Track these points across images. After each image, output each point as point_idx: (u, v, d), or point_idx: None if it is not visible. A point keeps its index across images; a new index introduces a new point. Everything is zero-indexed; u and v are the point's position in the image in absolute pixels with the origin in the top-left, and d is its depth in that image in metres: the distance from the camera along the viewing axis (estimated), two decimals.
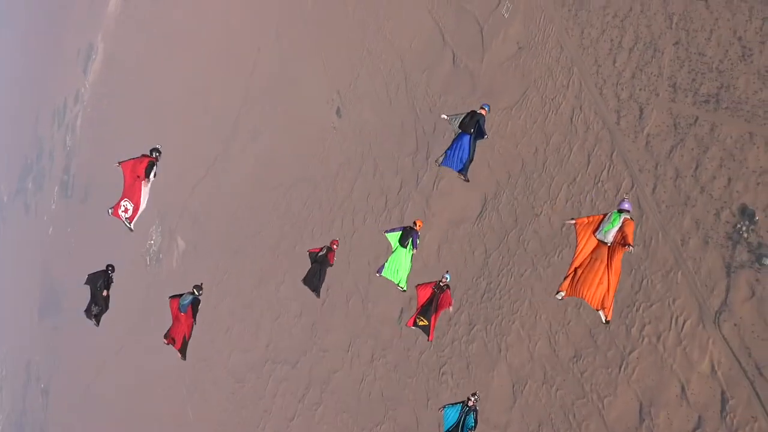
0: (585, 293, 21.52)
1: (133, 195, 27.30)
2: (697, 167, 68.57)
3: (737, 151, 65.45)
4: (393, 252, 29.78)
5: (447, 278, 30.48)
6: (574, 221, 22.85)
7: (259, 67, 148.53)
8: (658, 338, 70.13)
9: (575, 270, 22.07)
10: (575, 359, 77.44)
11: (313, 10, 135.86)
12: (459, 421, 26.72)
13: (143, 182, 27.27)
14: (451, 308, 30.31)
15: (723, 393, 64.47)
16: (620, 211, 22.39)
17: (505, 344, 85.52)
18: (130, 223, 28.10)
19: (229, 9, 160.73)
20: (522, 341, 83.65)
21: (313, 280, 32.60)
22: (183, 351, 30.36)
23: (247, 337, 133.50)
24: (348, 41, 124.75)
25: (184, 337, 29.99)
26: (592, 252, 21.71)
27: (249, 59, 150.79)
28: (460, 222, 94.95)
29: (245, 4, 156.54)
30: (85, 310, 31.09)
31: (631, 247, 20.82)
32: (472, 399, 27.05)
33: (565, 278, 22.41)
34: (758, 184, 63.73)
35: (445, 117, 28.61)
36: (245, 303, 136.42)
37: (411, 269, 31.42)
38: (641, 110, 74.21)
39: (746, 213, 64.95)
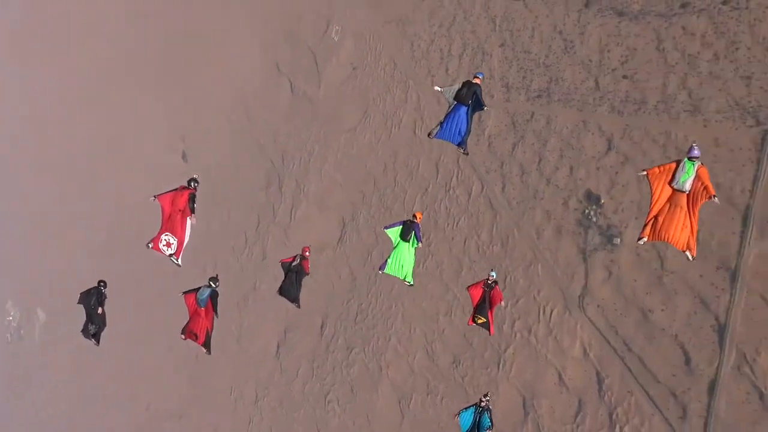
0: (670, 237, 21.70)
1: (174, 229, 26.30)
2: (540, 161, 69.79)
3: (574, 140, 67.00)
4: (395, 248, 27.93)
5: (493, 275, 29.78)
6: (645, 173, 22.41)
7: (96, 124, 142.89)
8: (530, 331, 70.69)
9: (655, 218, 21.97)
10: (454, 365, 77.07)
11: (147, 57, 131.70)
12: (474, 423, 25.84)
13: (189, 216, 26.13)
14: (503, 303, 29.63)
15: (598, 373, 65.45)
16: (691, 158, 21.97)
17: (384, 362, 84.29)
18: (177, 259, 26.91)
19: (61, 62, 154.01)
20: (401, 356, 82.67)
21: (291, 290, 30.13)
22: (207, 345, 28.32)
23: (126, 399, 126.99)
24: (184, 83, 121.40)
25: (207, 332, 28.03)
26: (669, 200, 21.68)
27: (86, 116, 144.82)
28: (323, 248, 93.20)
29: (81, 57, 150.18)
30: (82, 330, 29.13)
31: (716, 198, 20.83)
32: (484, 400, 26.26)
33: (644, 226, 22.36)
34: (598, 168, 65.37)
35: (439, 89, 26.77)
36: (119, 365, 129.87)
37: (415, 263, 29.90)
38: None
39: (592, 198, 66.48)
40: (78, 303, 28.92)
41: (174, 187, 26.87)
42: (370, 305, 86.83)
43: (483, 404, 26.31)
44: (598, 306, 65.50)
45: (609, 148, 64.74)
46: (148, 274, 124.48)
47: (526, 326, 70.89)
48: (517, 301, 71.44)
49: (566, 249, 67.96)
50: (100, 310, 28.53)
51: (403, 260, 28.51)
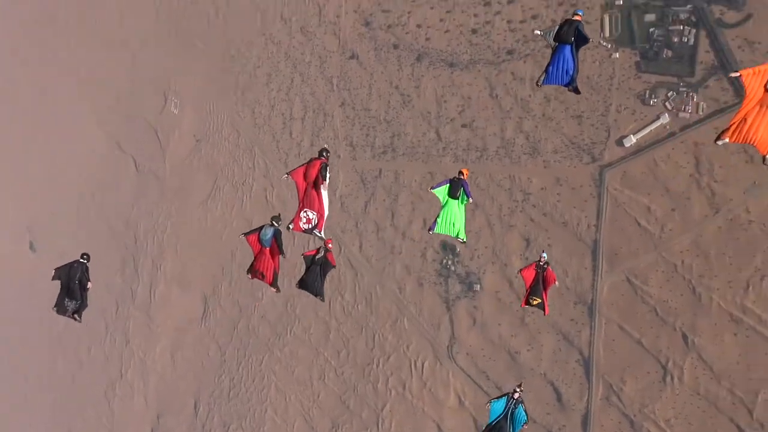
0: (757, 139, 20.12)
1: (312, 203, 24.59)
2: (393, 216, 68.93)
3: (424, 192, 66.32)
4: (443, 206, 25.56)
5: (545, 256, 28.09)
6: (738, 73, 20.46)
7: None
8: (404, 387, 69.13)
9: (744, 119, 20.16)
10: (334, 430, 74.58)
11: None
12: (506, 413, 23.96)
13: (322, 185, 24.18)
14: (557, 283, 27.71)
15: (475, 421, 64.35)
16: None
17: None
18: (320, 232, 25.02)
19: None
20: (279, 428, 79.45)
21: (314, 284, 26.83)
22: (275, 284, 26.04)
23: None
24: (26, 171, 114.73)
25: (275, 271, 26.32)
26: (761, 102, 19.99)
27: None
28: (187, 326, 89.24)
29: None
30: (56, 306, 26.23)
31: None
32: (518, 391, 24.30)
33: (728, 128, 20.49)
34: None
35: (539, 32, 24.47)
36: None
37: (466, 220, 27.52)
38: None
39: (448, 248, 65.93)
40: (53, 279, 25.95)
41: (305, 161, 24.80)
42: (242, 379, 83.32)
43: (517, 396, 24.54)
44: (467, 353, 64.74)
45: None
46: None
47: (399, 382, 69.33)
48: (388, 358, 69.88)
49: (429, 300, 67.19)
50: (89, 285, 25.82)
51: (453, 218, 26.48)
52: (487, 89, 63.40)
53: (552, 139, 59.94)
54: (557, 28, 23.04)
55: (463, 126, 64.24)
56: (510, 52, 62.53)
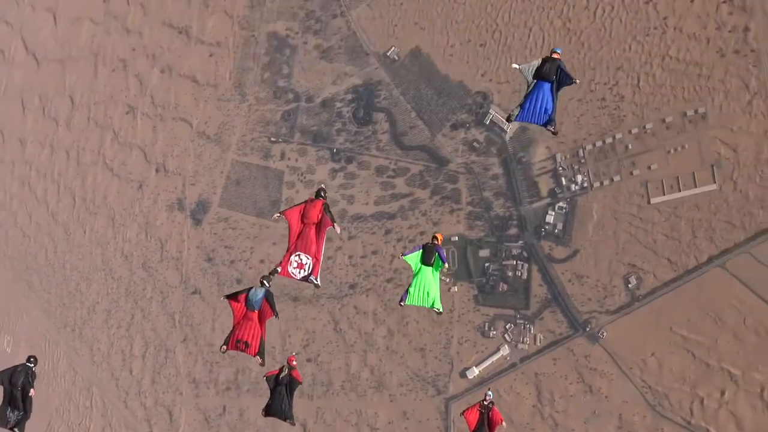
0: None
1: (309, 246, 21.46)
2: None
3: (270, 429, 62.21)
4: (416, 275, 21.17)
5: (490, 395, 22.82)
6: None
7: None
8: None
9: None
10: None
11: None
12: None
13: (331, 226, 21.23)
14: (504, 424, 22.12)
15: None
16: None
17: None
18: (316, 279, 20.94)
19: None
20: None
21: (282, 407, 20.96)
22: (262, 354, 21.50)
23: None
24: None
25: (261, 339, 21.64)
26: None
27: None
28: None
29: None
30: None
31: None
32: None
33: None
34: None
35: (517, 66, 20.23)
36: None
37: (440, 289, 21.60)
38: (170, 413, 68.02)
39: None
40: None
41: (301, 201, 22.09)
42: None
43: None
44: None
45: None
46: None
47: None
48: None
49: None
50: (32, 392, 21.46)
51: (428, 287, 22.09)
52: (331, 323, 61.61)
53: (397, 373, 58.13)
54: (538, 64, 21.88)
55: (308, 360, 61.50)
56: (352, 287, 61.49)
